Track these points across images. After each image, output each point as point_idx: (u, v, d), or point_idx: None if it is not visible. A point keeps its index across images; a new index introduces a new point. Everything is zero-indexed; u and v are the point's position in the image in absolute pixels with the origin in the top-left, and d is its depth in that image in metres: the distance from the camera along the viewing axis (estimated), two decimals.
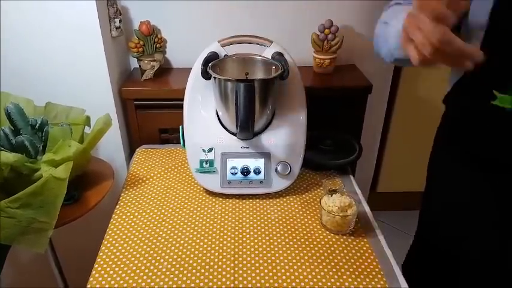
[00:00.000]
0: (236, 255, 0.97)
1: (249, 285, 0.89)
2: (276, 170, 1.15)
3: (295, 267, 0.94)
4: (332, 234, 1.04)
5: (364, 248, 0.99)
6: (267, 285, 0.89)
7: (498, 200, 0.90)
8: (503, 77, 0.77)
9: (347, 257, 0.96)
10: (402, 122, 1.91)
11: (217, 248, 0.99)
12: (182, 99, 1.20)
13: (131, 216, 1.10)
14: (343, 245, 1.00)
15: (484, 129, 0.86)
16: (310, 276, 0.91)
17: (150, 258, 0.97)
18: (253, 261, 0.95)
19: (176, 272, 0.92)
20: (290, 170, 1.15)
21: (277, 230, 1.05)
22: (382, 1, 1.03)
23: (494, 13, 0.74)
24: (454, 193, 0.98)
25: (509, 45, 0.75)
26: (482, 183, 0.91)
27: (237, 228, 1.06)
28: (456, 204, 0.98)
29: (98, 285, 0.90)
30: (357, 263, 0.95)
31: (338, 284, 0.89)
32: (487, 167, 0.89)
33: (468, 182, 0.94)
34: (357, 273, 0.92)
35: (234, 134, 1.16)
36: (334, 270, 0.93)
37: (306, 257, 0.96)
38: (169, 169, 1.30)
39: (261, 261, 0.95)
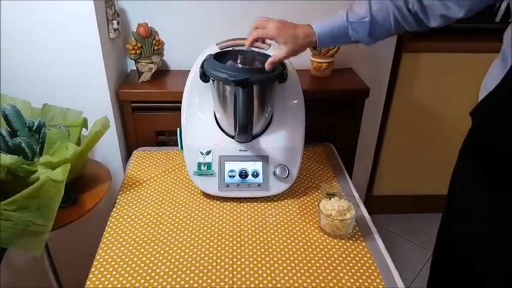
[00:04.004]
0: (234, 259, 0.97)
1: None
2: (274, 173, 1.15)
3: (293, 271, 0.93)
4: (330, 238, 1.03)
5: (363, 252, 0.99)
6: None
7: None
8: None
9: (345, 261, 0.96)
10: (399, 125, 1.91)
11: (215, 251, 0.99)
12: (179, 102, 1.20)
13: (128, 219, 1.09)
14: (342, 249, 1.00)
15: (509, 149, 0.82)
16: (308, 281, 0.91)
17: (147, 261, 0.96)
18: (251, 265, 0.95)
19: (174, 276, 0.92)
20: (288, 173, 1.15)
21: (275, 233, 1.05)
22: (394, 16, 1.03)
23: None
24: (477, 218, 0.94)
25: None
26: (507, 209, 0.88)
27: (235, 231, 1.05)
28: (479, 233, 0.94)
29: None
30: (356, 267, 0.95)
31: None
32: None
33: (494, 207, 0.90)
34: (355, 277, 0.92)
35: (232, 137, 1.16)
36: (332, 274, 0.93)
37: (304, 261, 0.96)
38: (167, 172, 1.30)
39: (259, 265, 0.95)
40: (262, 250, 0.99)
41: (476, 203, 0.94)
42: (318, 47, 1.03)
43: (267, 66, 1.00)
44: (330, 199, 1.07)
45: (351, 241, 1.03)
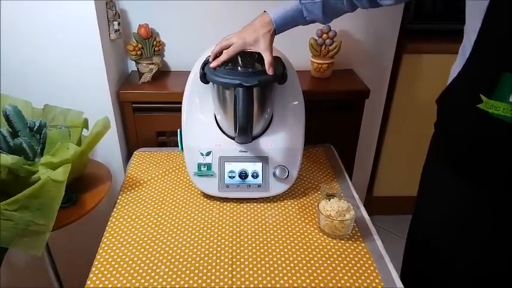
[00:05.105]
0: (234, 259, 0.97)
1: None
2: (274, 174, 1.16)
3: (292, 271, 0.94)
4: (330, 239, 1.04)
5: (362, 253, 0.99)
6: None
7: (484, 213, 0.91)
8: (492, 81, 0.78)
9: (345, 262, 0.97)
10: (398, 126, 1.92)
11: (214, 251, 0.99)
12: (180, 103, 1.20)
13: (128, 219, 1.10)
14: (341, 250, 1.00)
15: (470, 134, 0.86)
16: (308, 281, 0.91)
17: (147, 261, 0.96)
18: (250, 266, 0.95)
19: (174, 276, 0.92)
20: (288, 174, 1.16)
21: (275, 234, 1.05)
22: (380, 7, 1.04)
23: (486, 18, 0.76)
24: (445, 204, 0.99)
25: (498, 50, 0.77)
26: (473, 197, 0.92)
27: (234, 232, 1.06)
28: (446, 214, 0.98)
29: None
30: (355, 268, 0.95)
31: None
32: (476, 179, 0.90)
33: (459, 195, 0.94)
34: (354, 277, 0.92)
35: (232, 138, 1.16)
36: (331, 274, 0.93)
37: (304, 261, 0.96)
38: (167, 172, 1.30)
39: (258, 266, 0.95)
40: (262, 250, 1.00)
41: (440, 188, 0.99)
42: (276, 32, 1.05)
43: (270, 71, 1.01)
44: (329, 200, 1.07)
45: (350, 241, 1.03)
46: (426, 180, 1.07)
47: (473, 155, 0.88)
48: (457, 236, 0.96)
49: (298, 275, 0.93)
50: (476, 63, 0.82)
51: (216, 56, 1.07)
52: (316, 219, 1.09)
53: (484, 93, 0.79)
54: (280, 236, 1.04)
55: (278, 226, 1.08)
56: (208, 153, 1.16)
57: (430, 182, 1.05)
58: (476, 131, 0.85)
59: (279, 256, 0.98)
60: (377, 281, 0.92)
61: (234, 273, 0.93)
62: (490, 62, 0.79)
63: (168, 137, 1.53)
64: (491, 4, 0.74)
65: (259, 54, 1.05)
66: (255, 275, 0.93)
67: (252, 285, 0.90)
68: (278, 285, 0.90)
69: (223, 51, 1.05)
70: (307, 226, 1.08)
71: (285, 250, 1.00)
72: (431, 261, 1.04)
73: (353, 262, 0.97)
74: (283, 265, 0.95)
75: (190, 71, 1.20)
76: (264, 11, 1.06)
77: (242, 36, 1.04)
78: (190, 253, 0.99)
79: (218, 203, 1.17)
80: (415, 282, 1.11)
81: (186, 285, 0.90)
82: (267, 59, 1.01)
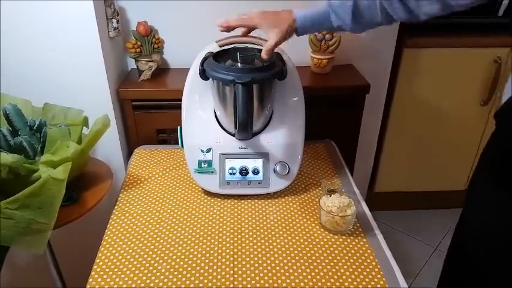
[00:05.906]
0: (235, 256, 0.97)
1: (248, 286, 0.89)
2: (275, 170, 1.15)
3: (294, 267, 0.94)
4: (331, 235, 1.04)
5: (364, 248, 0.99)
6: (266, 285, 0.89)
7: None
8: None
9: (346, 257, 0.97)
10: (400, 122, 1.91)
11: (216, 248, 0.99)
12: (180, 100, 1.20)
13: (130, 217, 1.10)
14: (342, 245, 1.00)
15: None
16: (309, 277, 0.91)
17: (149, 259, 0.97)
18: (252, 262, 0.95)
19: (175, 273, 0.92)
20: (288, 170, 1.15)
21: (276, 230, 1.05)
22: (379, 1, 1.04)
23: None
24: (487, 216, 0.95)
25: None
26: None
27: (235, 228, 1.06)
28: (486, 226, 0.94)
29: (97, 286, 0.90)
30: (356, 263, 0.95)
31: (337, 284, 0.90)
32: None
33: (501, 208, 0.89)
34: (356, 273, 0.92)
35: (233, 135, 1.16)
36: (333, 270, 0.93)
37: (305, 257, 0.96)
38: (168, 170, 1.30)
39: (260, 262, 0.95)
40: (263, 247, 1.00)
41: (483, 200, 0.95)
42: (299, 31, 1.02)
43: (264, 55, 1.00)
44: (330, 195, 1.07)
45: (352, 237, 1.03)
46: (471, 191, 1.02)
47: None
48: (496, 250, 0.93)
49: (299, 270, 0.93)
50: None
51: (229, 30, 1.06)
52: (317, 215, 1.09)
53: None
54: (281, 232, 1.04)
55: (279, 222, 1.08)
56: (208, 150, 1.16)
57: (474, 193, 1.00)
58: None
59: (280, 252, 0.98)
60: (379, 276, 0.92)
61: (235, 269, 0.93)
62: None
63: (168, 135, 1.52)
64: None
65: (260, 51, 1.05)
66: (257, 271, 0.93)
67: (253, 281, 0.90)
68: (279, 281, 0.90)
69: (239, 17, 1.04)
70: (308, 222, 1.08)
71: (286, 246, 1.00)
72: (469, 273, 1.01)
73: (354, 257, 0.97)
74: (285, 261, 0.95)
75: (189, 68, 1.20)
76: (291, 10, 1.02)
77: (264, 17, 1.01)
78: (192, 250, 0.99)
79: (219, 199, 1.17)
80: None
81: (187, 282, 0.90)
82: (268, 44, 0.99)
